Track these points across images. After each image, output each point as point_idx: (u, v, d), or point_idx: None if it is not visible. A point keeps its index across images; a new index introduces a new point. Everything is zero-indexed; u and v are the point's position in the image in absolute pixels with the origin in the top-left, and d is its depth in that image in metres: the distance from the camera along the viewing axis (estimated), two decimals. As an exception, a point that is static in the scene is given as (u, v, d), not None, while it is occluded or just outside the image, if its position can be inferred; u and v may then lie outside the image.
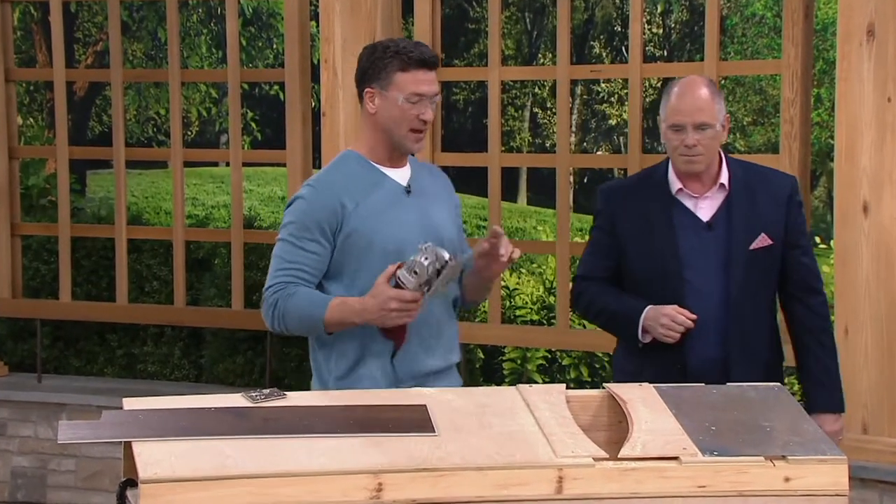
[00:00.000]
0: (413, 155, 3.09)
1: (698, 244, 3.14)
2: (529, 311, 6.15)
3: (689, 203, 3.17)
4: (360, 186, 2.97)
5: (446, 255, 2.76)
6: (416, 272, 2.77)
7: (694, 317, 3.10)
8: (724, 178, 3.17)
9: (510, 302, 6.19)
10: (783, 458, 2.33)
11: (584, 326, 5.41)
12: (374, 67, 2.98)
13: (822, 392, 3.18)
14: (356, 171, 3.01)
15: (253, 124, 16.00)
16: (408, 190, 3.01)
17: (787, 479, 2.31)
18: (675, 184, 3.17)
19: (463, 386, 3.06)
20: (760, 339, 3.17)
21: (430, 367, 2.98)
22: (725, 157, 3.21)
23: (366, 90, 3.01)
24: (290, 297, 2.92)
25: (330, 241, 2.94)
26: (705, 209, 3.16)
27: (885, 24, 4.00)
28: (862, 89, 4.03)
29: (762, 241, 3.13)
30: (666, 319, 3.10)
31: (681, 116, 3.10)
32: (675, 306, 3.11)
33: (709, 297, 3.12)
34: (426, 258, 2.76)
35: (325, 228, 2.93)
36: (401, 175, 3.03)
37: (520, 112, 22.33)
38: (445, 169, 5.32)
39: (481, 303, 3.24)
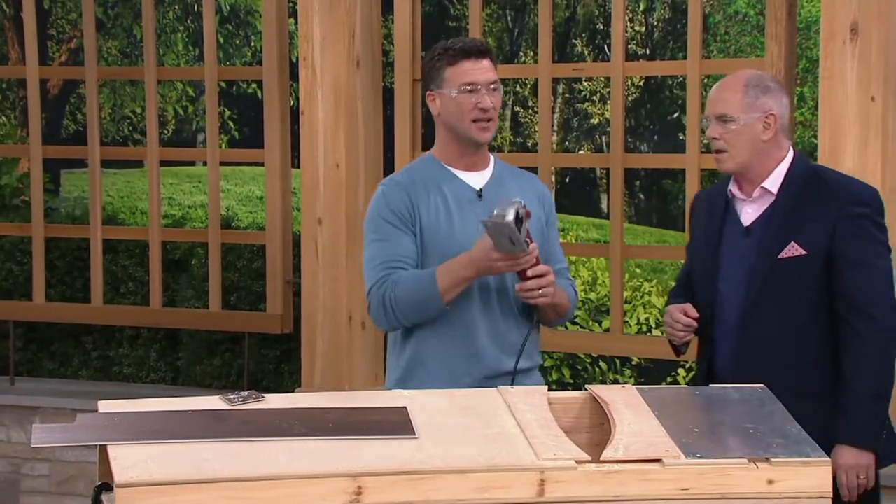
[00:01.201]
0: (492, 153, 3.12)
1: (736, 250, 3.01)
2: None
3: (739, 207, 3.03)
4: (428, 188, 3.01)
5: (504, 208, 2.80)
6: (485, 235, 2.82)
7: (694, 316, 3.01)
8: (771, 181, 2.99)
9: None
10: (766, 460, 2.32)
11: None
12: (429, 71, 3.05)
13: (840, 420, 2.89)
14: (427, 173, 3.05)
15: (230, 123, 15.95)
16: (479, 194, 3.02)
17: (770, 482, 2.30)
18: (732, 185, 3.05)
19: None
20: (788, 359, 2.94)
21: (508, 367, 2.98)
22: (795, 160, 3.01)
23: (427, 95, 3.06)
24: (395, 285, 2.95)
25: (414, 231, 2.99)
26: (749, 214, 3.01)
27: (869, 22, 4.00)
28: (845, 88, 4.02)
29: (792, 249, 2.92)
30: (668, 318, 3.06)
31: (707, 108, 3.01)
32: (680, 305, 3.05)
33: (732, 306, 2.99)
34: (497, 210, 2.80)
35: (405, 220, 2.99)
36: (476, 179, 3.05)
37: (501, 110, 22.31)
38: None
39: (554, 324, 3.19)
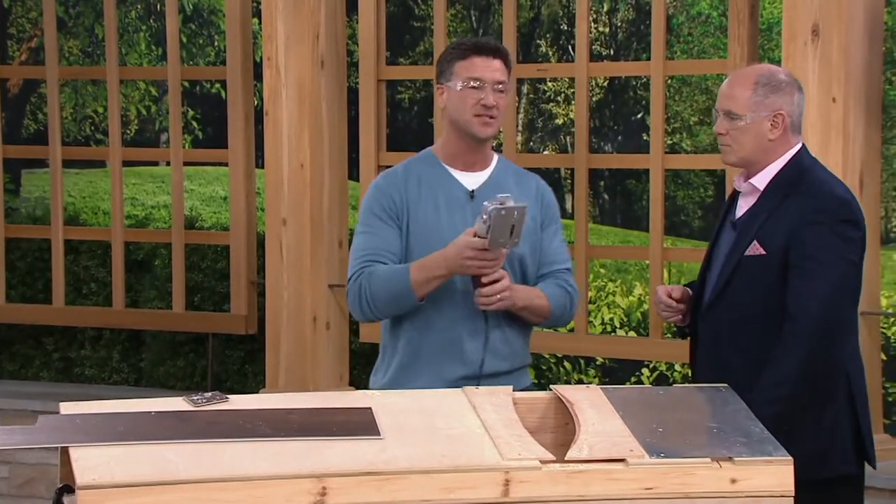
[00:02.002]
0: (497, 149, 3.14)
1: (723, 243, 3.02)
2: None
3: (739, 199, 3.03)
4: (423, 186, 3.00)
5: (502, 196, 2.81)
6: (483, 218, 2.82)
7: (676, 297, 3.02)
8: (760, 178, 2.96)
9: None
10: (730, 459, 2.33)
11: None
12: (441, 66, 3.05)
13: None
14: (423, 170, 3.05)
15: (194, 123, 15.85)
16: (471, 195, 3.01)
17: (733, 481, 2.31)
18: (738, 179, 3.03)
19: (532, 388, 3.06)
20: (737, 357, 2.91)
21: (493, 368, 2.99)
22: (793, 158, 2.97)
23: (437, 88, 3.07)
24: (371, 276, 2.97)
25: (399, 225, 3.00)
26: (741, 208, 3.01)
27: (830, 24, 4.03)
28: (807, 89, 4.01)
29: (754, 248, 2.90)
30: (656, 297, 3.08)
31: (717, 101, 3.00)
32: (666, 287, 3.07)
33: (706, 297, 3.02)
34: (490, 203, 2.80)
35: (392, 214, 3.00)
36: (472, 179, 3.05)
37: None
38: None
39: (545, 323, 3.15)
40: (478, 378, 2.95)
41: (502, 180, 3.07)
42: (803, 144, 3.02)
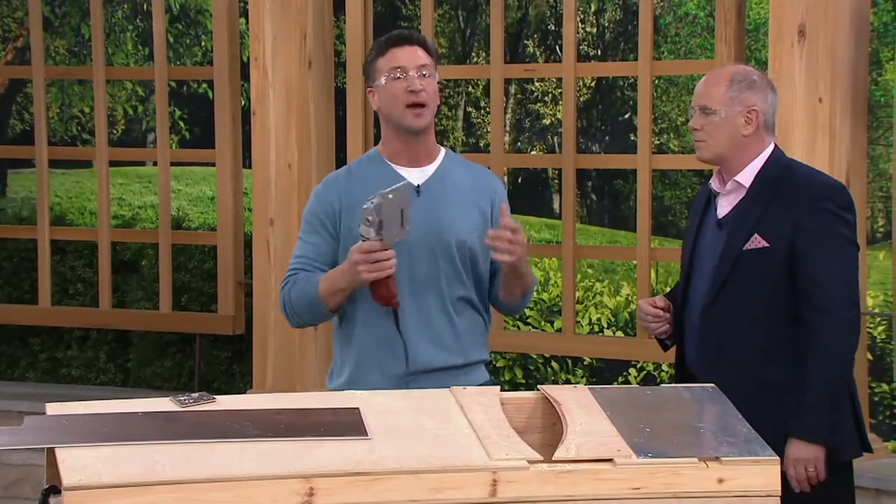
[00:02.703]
0: (445, 146, 3.11)
1: (709, 243, 3.03)
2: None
3: (717, 200, 3.05)
4: (365, 185, 2.97)
5: (383, 191, 2.79)
6: (367, 220, 2.81)
7: (661, 307, 3.05)
8: (744, 175, 2.99)
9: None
10: (717, 459, 2.33)
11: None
12: (367, 70, 3.04)
13: (794, 415, 2.91)
14: (368, 169, 3.04)
15: (181, 123, 15.82)
16: (418, 190, 3.00)
17: (720, 481, 2.31)
18: (714, 179, 3.07)
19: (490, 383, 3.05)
20: (746, 352, 2.96)
21: (441, 363, 2.99)
22: (771, 156, 3.02)
23: (368, 92, 3.06)
24: (293, 285, 3.01)
25: (332, 233, 3.01)
26: (724, 207, 3.03)
27: (816, 24, 4.04)
28: (793, 90, 4.06)
29: (755, 242, 2.93)
30: (639, 311, 3.10)
31: (693, 99, 3.04)
32: (650, 298, 3.11)
33: (699, 298, 3.02)
34: (371, 202, 2.79)
35: (325, 222, 3.01)
36: (417, 175, 3.03)
37: (453, 111, 22.36)
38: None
39: (519, 304, 3.14)
40: (424, 373, 2.95)
41: (449, 173, 3.06)
42: (776, 145, 3.06)
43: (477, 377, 3.05)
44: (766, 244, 2.93)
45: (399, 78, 2.96)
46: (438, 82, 3.04)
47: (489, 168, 3.20)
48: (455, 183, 3.05)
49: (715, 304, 2.99)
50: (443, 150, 3.11)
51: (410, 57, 2.97)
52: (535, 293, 3.14)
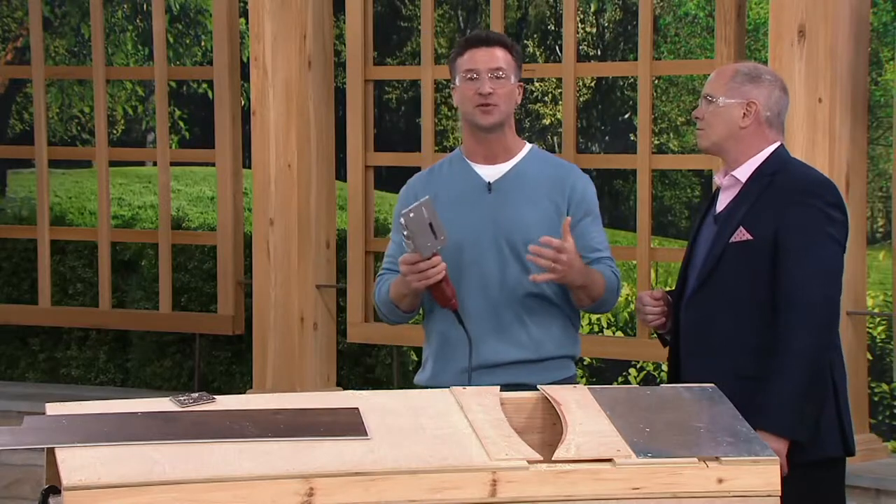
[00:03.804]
0: (531, 143, 3.17)
1: (705, 237, 3.05)
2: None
3: (720, 194, 3.06)
4: (441, 184, 3.07)
5: (408, 207, 2.88)
6: (404, 234, 2.90)
7: (657, 297, 3.06)
8: (742, 170, 2.99)
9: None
10: (716, 459, 2.33)
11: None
12: (450, 70, 3.11)
13: (761, 408, 2.86)
14: (447, 168, 3.13)
15: (181, 123, 15.82)
16: (489, 187, 3.04)
17: (720, 481, 2.31)
18: (717, 175, 3.09)
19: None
20: (725, 343, 2.95)
21: (511, 358, 3.03)
22: (773, 154, 3.00)
23: (452, 91, 3.11)
24: (379, 288, 3.12)
25: None
26: (722, 202, 3.04)
27: (816, 24, 4.04)
28: (793, 90, 4.05)
29: (740, 234, 2.93)
30: (638, 304, 3.11)
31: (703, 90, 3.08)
32: (647, 291, 3.12)
33: (688, 291, 3.04)
34: (410, 213, 2.87)
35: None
36: (493, 172, 3.07)
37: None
38: (378, 169, 5.27)
39: (594, 307, 3.15)
40: (493, 367, 3.01)
41: (527, 171, 3.09)
42: (782, 144, 3.06)
43: (557, 373, 3.07)
44: (750, 237, 2.93)
45: (472, 79, 3.02)
46: (521, 81, 3.08)
47: (572, 165, 3.21)
48: (530, 179, 3.08)
49: (698, 295, 3.00)
50: (527, 147, 3.14)
51: (485, 59, 3.03)
52: (619, 286, 3.16)
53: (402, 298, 3.06)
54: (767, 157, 3.01)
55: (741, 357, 2.95)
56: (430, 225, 2.88)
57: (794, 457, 2.89)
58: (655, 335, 3.24)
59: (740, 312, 2.96)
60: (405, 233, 2.90)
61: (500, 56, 3.04)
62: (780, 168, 3.00)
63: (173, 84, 12.31)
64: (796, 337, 2.88)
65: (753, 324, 2.94)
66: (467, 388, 2.58)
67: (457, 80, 3.07)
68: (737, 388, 2.76)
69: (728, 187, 3.03)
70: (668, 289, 3.24)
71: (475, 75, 3.02)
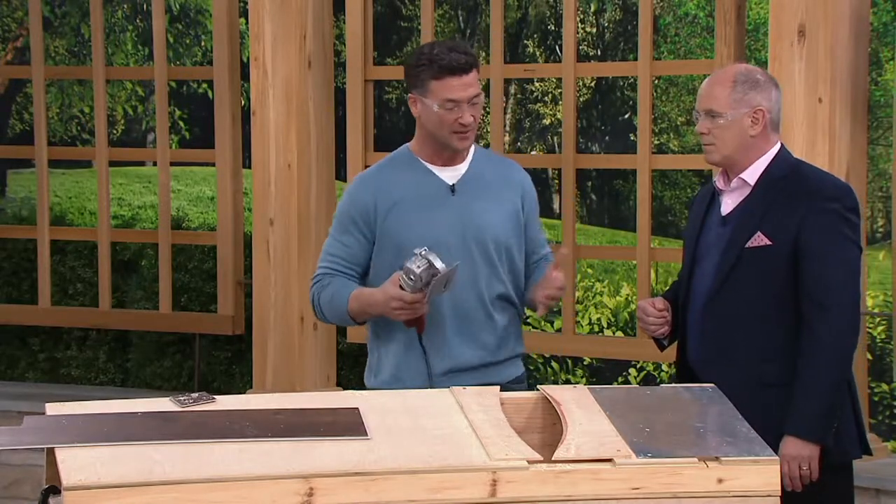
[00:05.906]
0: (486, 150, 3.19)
1: (712, 240, 3.04)
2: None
3: (721, 198, 3.06)
4: (401, 186, 3.04)
5: (438, 265, 2.85)
6: (410, 278, 2.88)
7: (661, 308, 3.06)
8: (750, 173, 3.00)
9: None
10: (716, 459, 2.33)
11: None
12: (412, 75, 3.05)
13: (791, 413, 2.89)
14: (402, 169, 3.08)
15: (181, 123, 15.81)
16: (452, 190, 3.04)
17: (720, 481, 2.31)
18: (718, 177, 3.08)
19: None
20: (747, 350, 2.95)
21: (479, 360, 3.04)
22: (778, 154, 3.03)
23: (409, 97, 3.07)
24: (323, 288, 3.06)
25: (366, 234, 3.04)
26: (728, 204, 3.03)
27: (816, 24, 4.04)
28: (793, 90, 4.06)
29: (758, 239, 2.94)
30: (639, 312, 3.11)
31: (697, 102, 3.06)
32: (649, 299, 3.11)
33: (700, 295, 3.02)
34: (419, 266, 2.86)
35: (358, 222, 3.04)
36: (451, 174, 3.07)
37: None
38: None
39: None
40: (461, 371, 3.00)
41: (482, 171, 3.10)
42: (782, 143, 3.07)
43: (511, 371, 3.10)
44: (770, 242, 2.94)
45: (451, 109, 3.00)
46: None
47: (513, 161, 3.26)
48: (486, 180, 3.09)
49: (716, 301, 2.99)
50: (473, 147, 3.14)
51: (465, 88, 3.00)
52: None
53: (365, 315, 3.04)
54: (773, 159, 3.02)
55: (763, 363, 2.95)
56: (447, 283, 2.91)
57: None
58: (652, 337, 3.24)
59: (761, 318, 2.96)
60: (413, 278, 2.86)
61: (474, 79, 3.02)
62: (791, 170, 3.02)
63: (173, 84, 12.31)
64: (826, 341, 2.90)
65: (774, 329, 2.95)
66: (467, 388, 2.58)
67: (432, 105, 3.00)
68: (759, 395, 2.77)
69: (735, 189, 3.03)
70: (667, 289, 3.24)
71: (455, 106, 3.00)
